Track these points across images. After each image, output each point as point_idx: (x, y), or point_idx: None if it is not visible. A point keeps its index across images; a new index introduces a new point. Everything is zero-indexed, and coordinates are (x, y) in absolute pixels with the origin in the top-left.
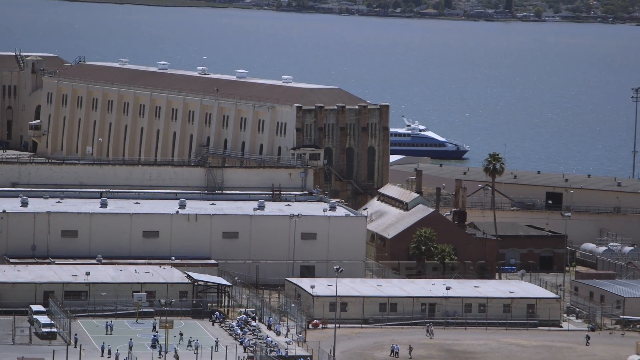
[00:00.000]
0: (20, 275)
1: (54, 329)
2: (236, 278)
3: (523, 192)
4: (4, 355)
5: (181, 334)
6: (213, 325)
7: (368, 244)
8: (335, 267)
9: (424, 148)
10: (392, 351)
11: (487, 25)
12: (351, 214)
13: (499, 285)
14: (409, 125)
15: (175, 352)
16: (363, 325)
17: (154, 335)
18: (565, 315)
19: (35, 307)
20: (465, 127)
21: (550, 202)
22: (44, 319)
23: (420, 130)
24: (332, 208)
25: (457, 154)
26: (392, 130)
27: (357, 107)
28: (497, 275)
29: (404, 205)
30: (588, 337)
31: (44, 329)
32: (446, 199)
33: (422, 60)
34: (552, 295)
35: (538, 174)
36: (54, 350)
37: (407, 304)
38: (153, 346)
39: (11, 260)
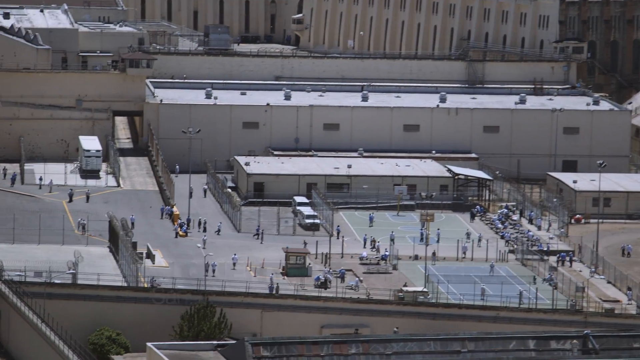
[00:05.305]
0: (283, 167)
1: (317, 220)
2: (497, 172)
3: None
4: (269, 244)
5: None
6: (473, 219)
7: (632, 138)
8: (598, 162)
9: None
10: (623, 251)
11: None
12: (615, 108)
13: None
14: None
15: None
16: (627, 221)
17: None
18: None
19: (298, 199)
20: None
21: None
22: (307, 210)
23: None
24: (596, 102)
25: None
26: None
27: None
28: None
29: None
30: None
31: (307, 220)
32: None
33: None
34: None
35: None
36: (317, 241)
37: None
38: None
39: (275, 153)
